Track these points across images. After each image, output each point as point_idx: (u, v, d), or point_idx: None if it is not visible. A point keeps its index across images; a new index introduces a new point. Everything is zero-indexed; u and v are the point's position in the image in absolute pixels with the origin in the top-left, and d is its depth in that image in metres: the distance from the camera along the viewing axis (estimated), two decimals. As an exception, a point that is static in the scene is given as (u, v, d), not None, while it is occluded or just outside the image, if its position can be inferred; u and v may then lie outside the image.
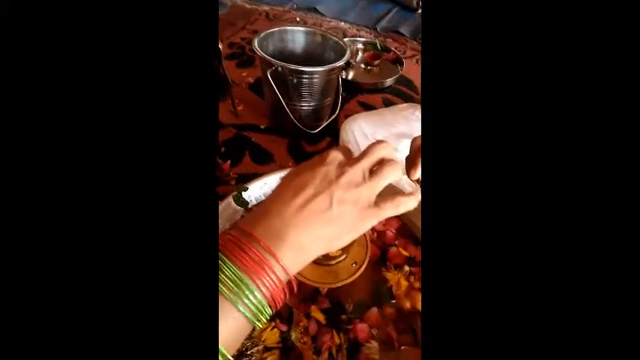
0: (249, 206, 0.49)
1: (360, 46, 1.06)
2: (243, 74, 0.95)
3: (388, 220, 0.49)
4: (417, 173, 0.34)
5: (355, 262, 0.38)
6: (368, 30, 1.21)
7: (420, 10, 1.30)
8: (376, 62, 1.00)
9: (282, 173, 0.53)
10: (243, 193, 0.49)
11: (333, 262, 0.38)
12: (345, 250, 0.37)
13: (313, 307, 0.40)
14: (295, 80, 0.64)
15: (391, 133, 0.58)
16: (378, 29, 1.20)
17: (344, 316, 0.40)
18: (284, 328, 0.39)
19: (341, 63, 0.65)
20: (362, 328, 0.39)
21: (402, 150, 0.57)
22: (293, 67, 0.62)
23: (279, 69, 0.62)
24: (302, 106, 0.70)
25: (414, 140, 0.34)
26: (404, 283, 0.43)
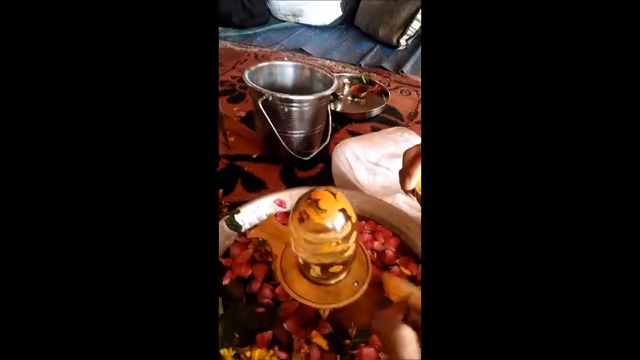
0: (242, 230, 0.48)
1: (346, 80, 1.12)
2: (235, 109, 0.97)
3: (387, 238, 0.49)
4: (412, 184, 0.34)
5: (357, 281, 0.37)
6: (353, 67, 1.28)
7: (400, 48, 1.39)
8: (362, 94, 1.04)
9: (275, 196, 0.52)
10: (235, 216, 0.48)
11: (334, 281, 0.36)
12: (344, 268, 0.35)
13: (314, 333, 0.37)
14: (286, 109, 0.66)
15: (382, 154, 0.59)
16: (362, 65, 1.27)
17: (348, 341, 0.37)
18: (283, 356, 0.36)
19: (329, 92, 0.68)
20: (368, 353, 0.36)
21: (394, 169, 0.57)
22: (283, 96, 0.64)
23: (270, 98, 0.64)
24: (293, 134, 0.71)
25: (406, 152, 0.35)
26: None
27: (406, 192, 0.37)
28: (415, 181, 0.35)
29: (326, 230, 0.30)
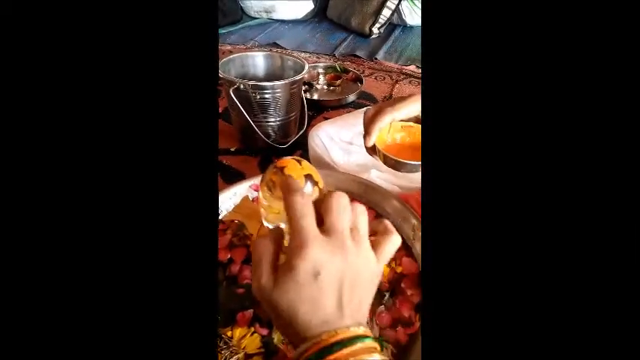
0: (220, 217, 0.48)
1: (321, 70, 1.12)
2: (210, 105, 0.96)
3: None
4: (371, 140, 0.35)
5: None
6: (327, 57, 1.28)
7: (373, 36, 1.40)
8: (338, 82, 1.05)
9: (252, 181, 0.52)
10: (212, 203, 0.47)
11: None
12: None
13: (294, 306, 0.37)
14: (258, 96, 0.66)
15: (355, 132, 0.59)
16: (336, 55, 1.28)
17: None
18: (265, 332, 0.36)
19: (300, 77, 0.68)
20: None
21: (368, 146, 0.58)
22: (254, 82, 0.63)
23: (242, 87, 0.64)
24: (268, 122, 0.71)
25: (365, 112, 0.35)
26: (385, 269, 0.41)
27: (369, 152, 0.38)
28: (374, 138, 0.36)
29: (293, 197, 0.30)
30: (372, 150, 0.38)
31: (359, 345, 0.20)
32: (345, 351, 0.19)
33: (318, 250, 0.20)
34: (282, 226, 0.33)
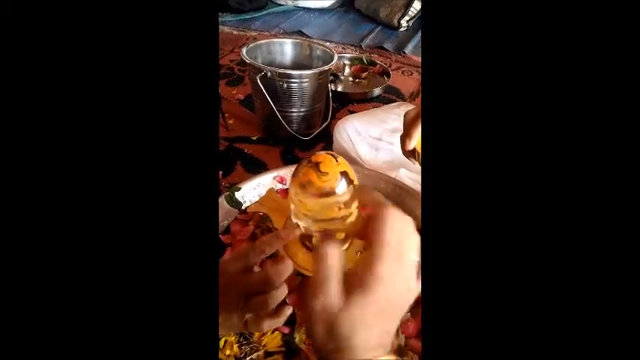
0: (243, 207, 0.47)
1: (346, 61, 1.09)
2: (233, 92, 0.95)
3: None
4: (412, 143, 0.33)
5: (359, 252, 0.35)
6: (353, 48, 1.25)
7: (401, 29, 1.36)
8: (364, 75, 1.02)
9: (275, 173, 0.51)
10: (235, 193, 0.46)
11: (336, 251, 0.35)
12: (347, 238, 0.34)
13: (317, 306, 0.36)
14: (285, 85, 0.64)
15: (384, 128, 0.57)
16: (363, 46, 1.24)
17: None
18: (286, 330, 0.35)
19: (328, 67, 0.66)
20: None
21: (397, 144, 0.56)
22: (282, 71, 0.62)
23: (269, 74, 0.62)
24: (293, 112, 0.69)
25: (406, 113, 0.34)
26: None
27: (407, 154, 0.36)
28: (415, 141, 0.34)
29: (328, 194, 0.29)
30: (411, 153, 0.36)
31: None
32: None
33: (389, 270, 0.20)
34: (311, 223, 0.31)
